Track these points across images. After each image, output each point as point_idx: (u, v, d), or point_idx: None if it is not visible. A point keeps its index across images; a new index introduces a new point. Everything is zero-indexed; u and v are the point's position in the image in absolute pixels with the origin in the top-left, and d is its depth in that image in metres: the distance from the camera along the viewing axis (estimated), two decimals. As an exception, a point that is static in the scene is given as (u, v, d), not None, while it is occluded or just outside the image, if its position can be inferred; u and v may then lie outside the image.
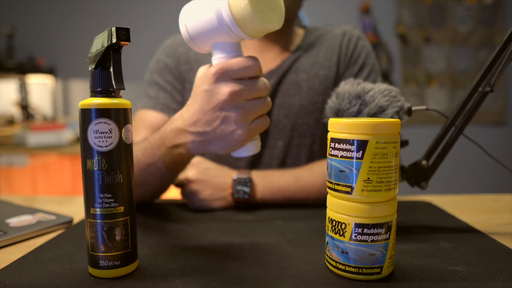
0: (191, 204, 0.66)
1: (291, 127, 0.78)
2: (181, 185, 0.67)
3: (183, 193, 0.67)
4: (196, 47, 0.49)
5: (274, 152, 0.79)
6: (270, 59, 0.80)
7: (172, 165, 0.57)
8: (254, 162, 0.79)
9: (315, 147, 0.80)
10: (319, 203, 0.63)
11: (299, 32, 0.84)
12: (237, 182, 0.66)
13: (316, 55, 0.80)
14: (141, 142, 0.62)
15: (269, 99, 0.49)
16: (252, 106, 0.47)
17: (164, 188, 0.64)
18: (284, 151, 0.79)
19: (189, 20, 0.47)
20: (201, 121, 0.48)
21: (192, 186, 0.66)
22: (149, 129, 0.76)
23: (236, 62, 0.46)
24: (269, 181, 0.67)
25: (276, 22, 0.46)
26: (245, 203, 0.66)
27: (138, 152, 0.60)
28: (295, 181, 0.67)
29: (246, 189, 0.65)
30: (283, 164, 0.78)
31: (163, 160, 0.56)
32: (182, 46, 0.83)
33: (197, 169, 0.66)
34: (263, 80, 0.48)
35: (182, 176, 0.67)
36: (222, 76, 0.46)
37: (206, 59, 0.80)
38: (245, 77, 0.47)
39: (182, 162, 0.57)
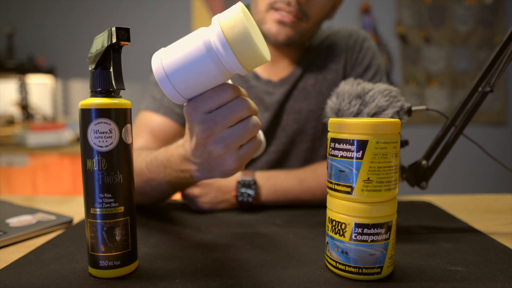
0: (194, 207, 0.66)
1: (300, 131, 0.79)
2: None
3: (185, 196, 0.67)
4: (170, 91, 0.40)
5: (282, 156, 0.79)
6: (283, 68, 0.81)
7: (175, 186, 0.56)
8: (261, 166, 0.79)
9: (322, 150, 0.80)
10: (323, 204, 0.63)
11: None
12: (241, 184, 0.65)
13: (323, 59, 0.81)
14: (146, 153, 0.59)
15: (254, 119, 0.42)
16: (233, 134, 0.42)
17: (162, 200, 0.64)
18: (293, 155, 0.79)
19: (167, 56, 0.40)
20: (196, 154, 0.46)
21: (195, 190, 0.65)
22: (151, 133, 0.76)
23: (205, 95, 0.41)
24: (273, 183, 0.67)
25: (267, 54, 0.40)
26: (249, 205, 0.65)
27: (142, 164, 0.58)
28: (299, 183, 0.67)
29: (251, 191, 0.65)
30: (291, 168, 0.78)
31: (168, 180, 0.54)
32: None
33: None
34: (242, 100, 0.41)
35: None
36: (194, 112, 0.42)
37: None
38: (219, 105, 0.41)
39: (186, 184, 0.56)
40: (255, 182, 0.65)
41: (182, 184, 0.55)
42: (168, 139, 0.75)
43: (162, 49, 0.41)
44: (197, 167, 0.47)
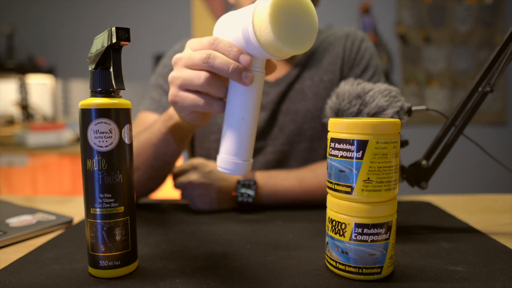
0: (194, 207, 0.66)
1: (298, 132, 0.79)
2: (183, 188, 0.67)
3: (185, 196, 0.67)
4: None
5: (281, 156, 0.79)
6: (279, 68, 0.81)
7: (177, 133, 0.60)
8: (260, 167, 0.79)
9: (321, 150, 0.80)
10: (323, 204, 0.64)
11: None
12: (241, 185, 0.65)
13: (320, 60, 0.81)
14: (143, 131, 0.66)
15: (202, 75, 0.46)
16: (182, 74, 0.48)
17: (173, 162, 0.66)
18: (292, 156, 0.79)
19: (221, 33, 0.46)
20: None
21: (195, 190, 0.65)
22: None
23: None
24: (273, 184, 0.67)
25: (304, 45, 0.41)
26: (250, 205, 0.65)
27: (145, 137, 0.64)
28: (300, 183, 0.67)
29: (251, 192, 0.65)
30: (290, 168, 0.78)
31: (171, 131, 0.59)
32: None
33: (200, 173, 0.66)
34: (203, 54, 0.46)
35: (185, 179, 0.66)
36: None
37: None
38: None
39: (185, 128, 0.58)
40: (255, 183, 0.65)
41: (182, 129, 0.59)
42: None
43: (221, 20, 0.47)
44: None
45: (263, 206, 0.67)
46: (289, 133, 0.79)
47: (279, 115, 0.79)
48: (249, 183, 0.65)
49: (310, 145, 0.80)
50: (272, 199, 0.66)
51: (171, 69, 0.81)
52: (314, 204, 0.66)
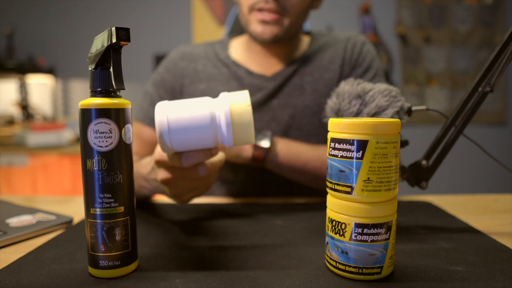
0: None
1: (296, 126, 0.80)
2: None
3: None
4: (166, 143, 0.44)
5: None
6: (275, 63, 0.82)
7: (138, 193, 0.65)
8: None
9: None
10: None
11: (305, 39, 0.87)
12: (257, 134, 0.69)
13: (321, 59, 0.82)
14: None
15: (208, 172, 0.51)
16: (185, 184, 0.53)
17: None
18: None
19: (173, 113, 0.44)
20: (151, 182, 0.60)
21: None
22: (138, 141, 0.81)
23: (171, 159, 0.49)
24: (287, 142, 0.70)
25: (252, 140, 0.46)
26: (262, 162, 0.68)
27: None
28: (312, 150, 0.71)
29: (266, 141, 0.67)
30: None
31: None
32: (182, 60, 0.86)
33: None
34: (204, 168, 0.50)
35: None
36: (159, 164, 0.52)
37: (208, 70, 0.83)
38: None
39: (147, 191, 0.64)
40: (272, 134, 0.69)
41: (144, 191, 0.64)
42: (155, 144, 0.81)
43: (167, 102, 0.45)
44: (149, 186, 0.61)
45: (262, 205, 0.67)
46: (286, 127, 0.80)
47: (277, 109, 0.80)
48: (266, 134, 0.68)
49: (308, 140, 0.80)
50: (284, 159, 0.69)
51: (162, 78, 0.84)
52: (322, 178, 0.68)
